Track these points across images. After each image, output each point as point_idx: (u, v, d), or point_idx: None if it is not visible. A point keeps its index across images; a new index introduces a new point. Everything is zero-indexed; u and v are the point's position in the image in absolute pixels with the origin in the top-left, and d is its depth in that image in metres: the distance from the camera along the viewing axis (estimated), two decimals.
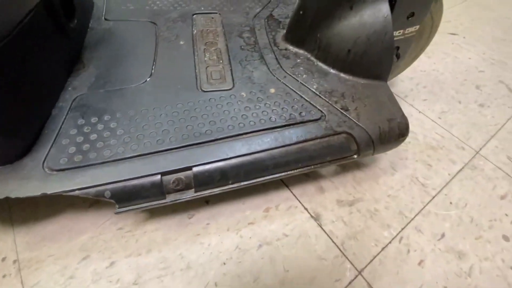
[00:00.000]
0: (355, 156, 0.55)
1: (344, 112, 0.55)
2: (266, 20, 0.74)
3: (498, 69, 1.04)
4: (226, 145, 0.49)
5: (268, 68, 0.61)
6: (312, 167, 0.53)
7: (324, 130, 0.52)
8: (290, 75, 0.60)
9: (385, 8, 0.54)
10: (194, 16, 0.73)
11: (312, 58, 0.64)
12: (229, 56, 0.62)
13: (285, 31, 0.69)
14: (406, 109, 0.84)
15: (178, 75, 0.58)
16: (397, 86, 0.92)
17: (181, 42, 0.64)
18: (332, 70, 0.61)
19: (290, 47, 0.66)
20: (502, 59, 1.09)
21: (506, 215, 0.64)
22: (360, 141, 0.53)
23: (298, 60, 0.63)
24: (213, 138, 0.49)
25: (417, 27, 0.62)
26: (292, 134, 0.51)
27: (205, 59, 0.61)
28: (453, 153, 0.75)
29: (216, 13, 0.75)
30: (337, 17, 0.57)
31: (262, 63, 0.62)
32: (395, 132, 0.55)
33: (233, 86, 0.57)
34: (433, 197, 0.66)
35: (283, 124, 0.52)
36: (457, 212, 0.64)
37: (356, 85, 0.59)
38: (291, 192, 0.64)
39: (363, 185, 0.67)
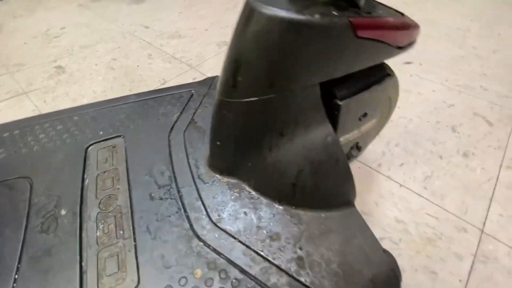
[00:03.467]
0: None
1: (297, 278, 0.37)
2: (185, 132, 0.57)
3: (467, 98, 0.93)
4: None
5: (191, 227, 0.43)
6: None
7: None
8: (222, 230, 0.42)
9: (326, 128, 0.38)
10: (90, 149, 0.55)
11: (249, 189, 0.46)
12: (133, 219, 0.44)
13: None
14: (384, 186, 0.69)
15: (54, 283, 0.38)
16: (366, 153, 0.77)
17: (63, 212, 0.45)
18: (277, 205, 0.44)
19: (219, 177, 0.49)
20: (467, 83, 0.99)
21: None
22: None
23: (232, 196, 0.46)
24: None
25: (374, 120, 0.48)
26: None
27: (97, 235, 0.43)
28: (456, 241, 0.59)
29: (120, 136, 0.57)
30: (266, 146, 0.41)
31: (180, 219, 0.44)
32: None
33: (138, 282, 0.38)
34: None
35: None
36: None
37: (311, 224, 0.42)
38: None
39: None
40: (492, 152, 0.77)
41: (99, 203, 0.46)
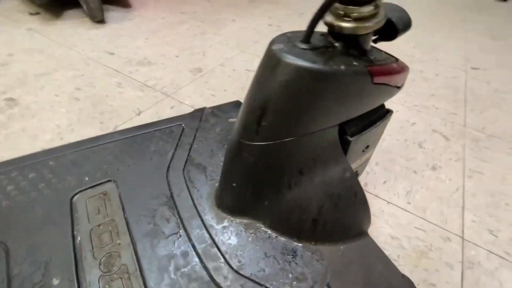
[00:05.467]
0: None
1: None
2: (184, 171, 0.54)
3: (425, 116, 1.06)
4: None
5: (212, 278, 0.40)
6: None
7: None
8: (246, 278, 0.40)
9: (344, 164, 0.40)
10: (75, 199, 0.48)
11: (265, 229, 0.45)
12: (144, 279, 0.39)
13: (215, 189, 0.49)
14: (374, 204, 0.73)
15: None
16: None
17: (55, 281, 0.38)
18: (297, 243, 0.44)
19: (231, 218, 0.47)
20: (422, 103, 1.13)
21: None
22: None
23: (249, 237, 0.44)
24: None
25: (373, 150, 0.51)
26: None
27: None
28: (444, 251, 0.65)
29: (110, 180, 0.52)
30: (285, 185, 0.41)
31: (198, 271, 0.41)
32: None
33: None
34: None
35: None
36: None
37: (333, 258, 0.43)
38: None
39: None
40: (454, 164, 0.87)
41: (99, 264, 0.41)
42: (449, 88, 1.23)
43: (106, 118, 0.93)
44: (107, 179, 0.51)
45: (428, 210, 0.73)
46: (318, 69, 0.29)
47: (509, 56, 1.50)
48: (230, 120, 0.66)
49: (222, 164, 0.54)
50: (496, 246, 0.67)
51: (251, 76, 1.28)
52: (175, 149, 0.58)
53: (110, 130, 0.89)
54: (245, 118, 0.37)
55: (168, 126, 0.65)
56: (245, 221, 0.46)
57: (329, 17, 0.32)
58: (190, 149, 0.58)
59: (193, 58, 1.29)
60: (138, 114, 0.96)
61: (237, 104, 0.74)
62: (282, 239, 0.44)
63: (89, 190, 0.50)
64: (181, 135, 0.62)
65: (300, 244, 0.44)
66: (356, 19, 0.31)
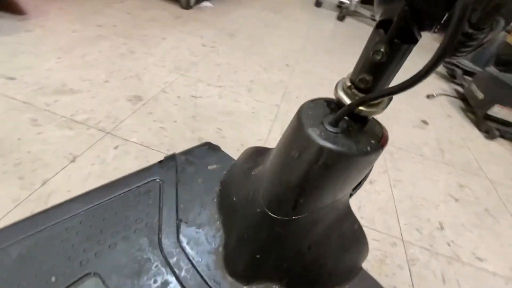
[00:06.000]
0: None
1: None
2: (180, 239, 0.49)
3: None
4: None
5: None
6: None
7: None
8: None
9: (353, 218, 0.45)
10: None
11: None
12: None
13: (221, 256, 0.47)
14: None
15: None
16: None
17: None
18: None
19: (246, 286, 0.45)
20: None
21: None
22: None
23: None
24: None
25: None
26: None
27: None
28: (394, 255, 0.80)
29: (89, 274, 0.42)
30: (306, 246, 0.43)
31: None
32: None
33: None
34: None
35: None
36: None
37: None
38: None
39: None
40: (382, 177, 1.08)
41: None
42: None
43: (26, 171, 0.73)
44: (84, 273, 0.40)
45: (376, 221, 0.89)
46: (353, 154, 0.33)
47: (396, 80, 1.95)
48: (210, 167, 0.63)
49: (218, 223, 0.52)
50: (423, 242, 0.87)
51: (198, 103, 1.24)
52: (160, 213, 0.51)
53: (37, 187, 0.70)
54: (278, 195, 0.37)
55: (141, 183, 0.56)
56: (261, 286, 0.46)
57: (347, 99, 0.36)
58: (177, 210, 0.52)
59: (127, 84, 1.14)
60: (73, 161, 0.79)
61: (211, 147, 0.71)
62: None
63: None
64: (160, 194, 0.55)
65: None
66: (372, 105, 0.36)
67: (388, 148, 1.24)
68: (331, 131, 0.34)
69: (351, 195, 0.63)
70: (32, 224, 0.45)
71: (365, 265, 0.75)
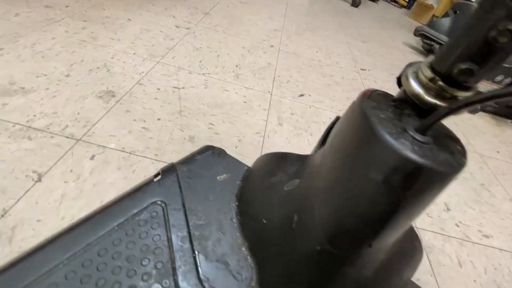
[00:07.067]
0: None
1: None
2: (201, 277, 0.39)
3: None
4: None
5: None
6: None
7: None
8: None
9: (415, 234, 0.38)
10: None
11: None
12: None
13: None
14: None
15: None
16: None
17: None
18: None
19: None
20: (343, 107, 1.28)
21: None
22: None
23: None
24: None
25: None
26: None
27: None
28: None
29: None
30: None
31: None
32: None
33: None
34: None
35: None
36: None
37: None
38: None
39: None
40: None
41: None
42: (355, 90, 1.44)
43: None
44: None
45: None
46: (454, 171, 0.25)
47: (377, 57, 1.91)
48: (219, 178, 0.52)
49: (243, 249, 0.42)
50: (434, 226, 0.85)
51: (183, 95, 1.09)
52: (170, 247, 0.40)
53: None
54: (349, 229, 0.28)
55: (139, 209, 0.44)
56: None
57: (430, 98, 0.27)
58: (190, 240, 0.42)
59: (94, 77, 0.96)
60: (39, 180, 0.63)
61: (214, 152, 0.59)
62: None
63: None
64: (166, 221, 0.44)
65: None
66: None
67: None
68: (423, 143, 0.25)
69: None
70: (28, 265, 0.32)
71: None
